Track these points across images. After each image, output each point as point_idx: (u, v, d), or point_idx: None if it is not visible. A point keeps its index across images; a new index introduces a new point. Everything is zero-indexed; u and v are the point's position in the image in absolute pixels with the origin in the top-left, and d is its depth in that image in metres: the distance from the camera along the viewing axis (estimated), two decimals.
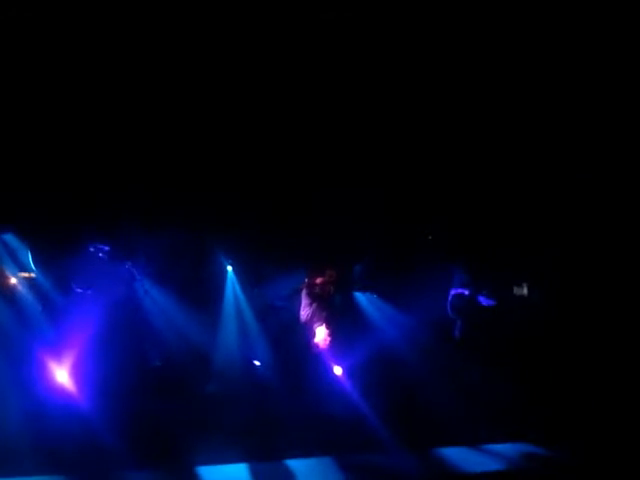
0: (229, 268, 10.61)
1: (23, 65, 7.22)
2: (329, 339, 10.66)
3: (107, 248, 9.94)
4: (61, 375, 9.46)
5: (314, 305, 10.76)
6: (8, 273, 9.92)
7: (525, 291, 10.96)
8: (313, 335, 10.69)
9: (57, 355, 9.53)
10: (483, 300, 11.04)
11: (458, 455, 9.15)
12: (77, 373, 9.52)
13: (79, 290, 10.03)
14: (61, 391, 9.43)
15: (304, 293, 10.79)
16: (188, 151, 8.87)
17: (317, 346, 10.63)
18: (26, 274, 9.97)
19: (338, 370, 10.35)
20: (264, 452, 8.84)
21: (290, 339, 10.55)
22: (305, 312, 10.75)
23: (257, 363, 10.45)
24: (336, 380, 10.38)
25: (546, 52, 7.43)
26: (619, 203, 9.63)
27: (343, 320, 10.86)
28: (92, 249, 9.92)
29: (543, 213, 10.01)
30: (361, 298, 11.15)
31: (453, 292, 11.04)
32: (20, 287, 9.98)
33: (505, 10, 6.91)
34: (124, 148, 8.67)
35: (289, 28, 7.02)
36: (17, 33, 6.82)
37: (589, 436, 9.29)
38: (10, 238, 9.59)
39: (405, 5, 6.84)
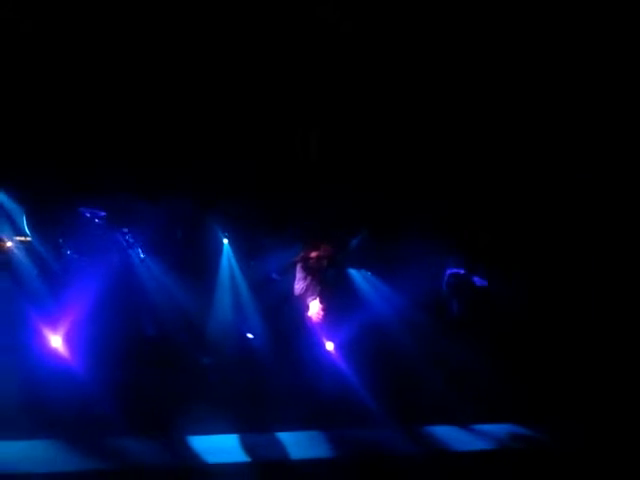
0: (225, 240, 10.49)
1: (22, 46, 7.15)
2: (322, 313, 10.66)
3: (103, 214, 9.85)
4: (55, 340, 9.45)
5: (308, 279, 10.77)
6: (3, 236, 9.81)
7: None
8: (306, 309, 10.68)
9: (51, 320, 9.50)
10: (477, 280, 11.06)
11: (447, 433, 9.25)
12: (71, 339, 9.52)
13: (74, 256, 9.97)
14: (55, 356, 9.43)
15: (298, 267, 10.78)
16: (187, 120, 8.82)
17: (310, 320, 10.63)
18: (22, 238, 9.88)
19: (330, 345, 10.35)
20: (255, 424, 8.90)
21: (284, 313, 10.54)
22: (299, 285, 10.75)
23: (250, 336, 10.45)
24: (328, 355, 10.37)
25: (546, 52, 7.38)
26: (611, 193, 9.63)
27: (336, 295, 10.82)
28: (88, 215, 9.83)
29: (535, 198, 10.02)
30: (355, 274, 11.12)
31: (449, 271, 11.04)
32: (15, 251, 9.88)
33: (505, 10, 6.85)
34: (123, 115, 8.62)
35: (288, 27, 6.97)
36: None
37: (577, 418, 9.35)
38: (5, 200, 9.45)
39: (405, 5, 6.78)
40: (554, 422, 9.43)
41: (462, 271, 11.07)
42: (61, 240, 9.89)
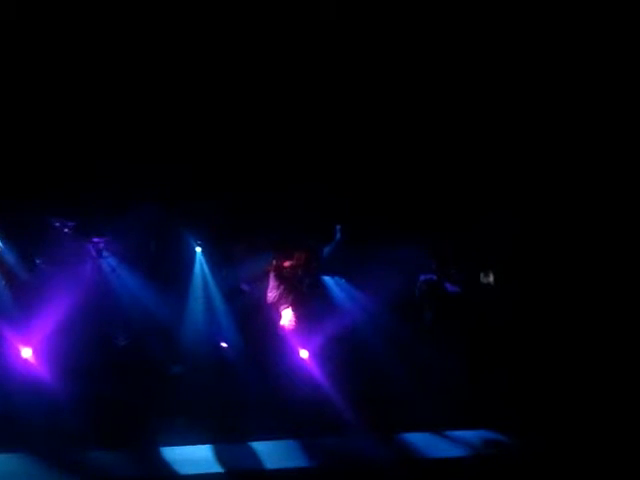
0: (198, 249, 10.43)
1: None
2: (295, 322, 10.62)
3: (73, 224, 9.73)
4: (25, 352, 9.30)
5: (281, 287, 10.72)
6: None
7: (491, 279, 11.03)
8: (279, 317, 10.64)
9: (21, 332, 9.35)
10: (449, 286, 11.11)
11: (421, 440, 9.24)
12: (41, 350, 9.37)
13: (44, 266, 9.83)
14: (24, 368, 9.28)
15: (272, 275, 10.72)
16: (158, 129, 8.75)
17: (283, 328, 10.58)
18: None
19: (304, 353, 10.31)
20: (229, 434, 8.83)
21: (257, 321, 10.49)
22: (272, 294, 10.72)
23: (224, 345, 10.38)
24: (302, 363, 10.33)
25: (546, 52, 7.46)
26: (594, 189, 9.72)
27: (310, 303, 10.79)
28: (57, 224, 9.70)
29: (509, 199, 10.08)
30: (329, 281, 11.11)
31: (421, 278, 11.07)
32: None
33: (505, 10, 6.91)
34: (93, 123, 8.52)
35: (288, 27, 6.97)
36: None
37: (553, 424, 9.40)
38: None
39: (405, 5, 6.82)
40: (527, 428, 9.43)
41: (434, 277, 11.09)
42: (30, 250, 9.72)
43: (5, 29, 6.87)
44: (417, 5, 6.98)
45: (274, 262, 10.79)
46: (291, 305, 10.73)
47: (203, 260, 10.56)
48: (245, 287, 10.77)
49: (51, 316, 9.41)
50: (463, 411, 9.81)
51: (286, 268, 10.77)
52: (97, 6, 6.90)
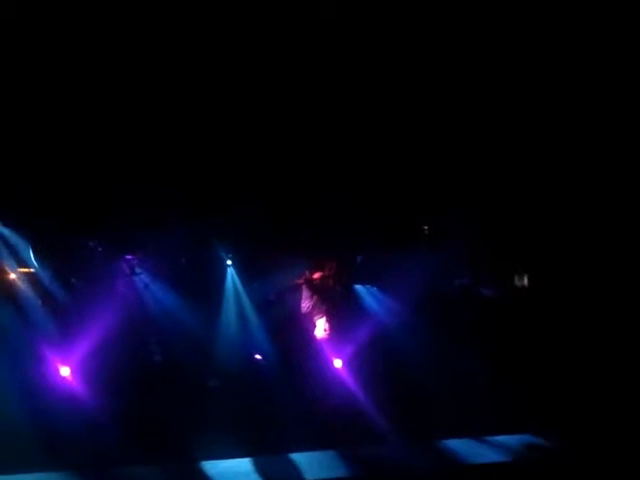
0: (229, 262, 10.49)
1: (25, 64, 7.19)
2: (329, 331, 10.64)
3: (106, 242, 9.87)
4: (62, 370, 9.44)
5: (315, 297, 10.78)
6: (7, 268, 9.84)
7: (526, 282, 10.94)
8: (313, 327, 10.66)
9: (58, 350, 9.50)
10: (484, 291, 11.04)
11: (460, 446, 9.21)
12: (78, 368, 9.51)
13: (78, 285, 9.99)
14: (62, 387, 9.42)
15: (304, 286, 10.75)
16: (188, 147, 8.84)
17: (317, 338, 10.60)
18: (25, 269, 9.91)
19: (338, 363, 10.31)
20: (266, 446, 8.87)
21: (290, 332, 10.51)
22: (305, 304, 10.79)
23: (258, 357, 10.42)
24: (336, 373, 10.33)
25: (546, 52, 7.40)
26: (619, 196, 9.60)
27: (343, 313, 10.79)
28: (91, 243, 9.86)
29: (542, 204, 9.98)
30: (361, 291, 11.10)
31: (456, 282, 11.02)
32: (19, 282, 9.90)
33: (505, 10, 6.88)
34: (125, 144, 8.65)
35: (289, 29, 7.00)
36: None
37: (590, 428, 9.26)
38: (8, 233, 9.48)
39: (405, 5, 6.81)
40: (566, 432, 9.31)
41: (469, 282, 11.03)
42: (65, 269, 9.88)
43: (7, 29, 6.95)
44: (417, 5, 6.96)
45: (306, 273, 10.81)
46: (325, 315, 10.74)
47: (234, 273, 10.61)
48: (277, 298, 10.79)
49: (87, 334, 9.55)
50: (501, 416, 9.69)
51: (318, 278, 10.79)
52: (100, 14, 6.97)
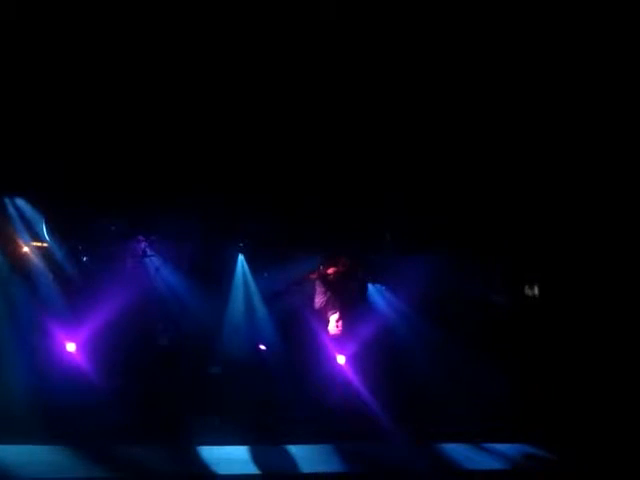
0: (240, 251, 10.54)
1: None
2: (341, 327, 10.66)
3: (119, 223, 9.92)
4: (69, 346, 9.52)
5: (328, 293, 10.78)
6: (21, 241, 9.91)
7: (536, 291, 10.89)
8: (326, 322, 10.68)
9: (65, 326, 9.58)
10: (495, 298, 11.00)
11: (459, 452, 9.24)
12: (86, 345, 9.60)
13: (90, 263, 10.05)
14: (67, 362, 9.50)
15: (318, 281, 10.77)
16: (205, 134, 8.87)
17: (328, 334, 10.62)
18: (39, 243, 9.97)
19: (341, 359, 10.32)
20: (265, 436, 8.90)
21: (297, 325, 10.54)
22: (319, 299, 10.81)
23: (263, 347, 10.45)
24: (340, 368, 10.34)
25: (545, 52, 7.35)
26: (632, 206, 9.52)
27: (356, 309, 10.80)
28: (104, 223, 9.90)
29: (555, 213, 9.93)
30: (372, 289, 11.10)
31: (464, 289, 10.98)
32: (32, 255, 9.98)
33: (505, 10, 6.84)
34: (143, 128, 8.68)
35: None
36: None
37: (592, 440, 9.22)
38: (23, 205, 9.55)
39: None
40: (568, 443, 9.28)
41: (478, 289, 10.99)
42: (80, 247, 9.94)
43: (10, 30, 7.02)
44: (417, 5, 6.93)
45: (320, 268, 10.83)
46: (338, 311, 10.76)
47: (245, 262, 10.63)
48: (285, 290, 10.81)
49: (96, 313, 9.62)
50: (503, 423, 9.67)
51: (332, 274, 10.81)
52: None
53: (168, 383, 9.64)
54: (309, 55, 7.56)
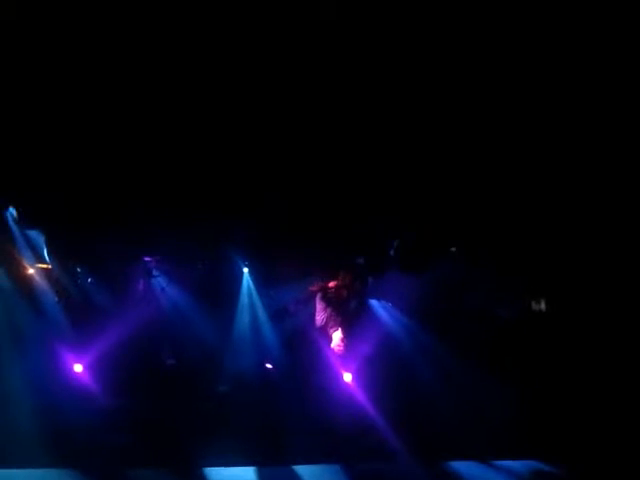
0: (245, 269, 10.60)
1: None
2: (344, 344, 10.65)
3: (124, 243, 9.97)
4: (76, 367, 9.59)
5: (329, 310, 10.80)
6: (25, 263, 9.98)
7: (543, 306, 10.88)
8: (328, 340, 10.69)
9: (72, 348, 9.64)
10: (501, 312, 10.98)
11: (467, 468, 9.21)
12: (92, 366, 9.65)
13: (95, 284, 10.11)
14: (75, 384, 9.56)
15: (318, 297, 10.83)
16: (208, 151, 8.89)
17: (332, 351, 10.62)
18: (43, 265, 10.05)
19: (348, 377, 10.34)
20: (272, 456, 8.94)
21: (303, 343, 10.56)
22: (320, 316, 10.83)
23: (269, 366, 10.48)
24: (346, 387, 10.35)
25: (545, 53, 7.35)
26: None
27: (357, 326, 10.80)
28: (109, 244, 9.94)
29: (562, 226, 9.92)
30: (375, 305, 11.10)
31: (469, 303, 10.98)
32: (37, 278, 10.05)
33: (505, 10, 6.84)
34: (144, 146, 8.71)
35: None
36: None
37: (601, 456, 9.20)
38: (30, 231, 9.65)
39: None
40: (577, 458, 9.26)
41: (482, 302, 10.99)
42: (83, 268, 10.00)
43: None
44: (417, 5, 6.94)
45: (320, 282, 10.84)
46: (340, 327, 10.76)
47: (250, 280, 10.68)
48: (291, 308, 10.84)
49: (102, 334, 9.68)
50: (509, 440, 9.66)
51: (331, 288, 10.82)
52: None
53: (175, 403, 9.69)
54: (308, 59, 7.57)
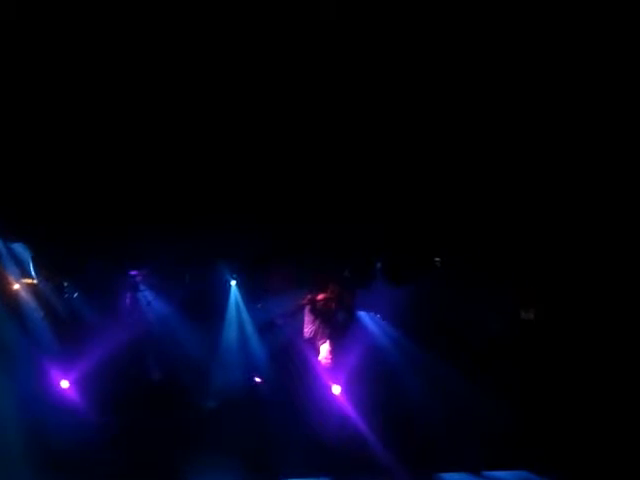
0: (232, 282, 10.55)
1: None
2: (332, 356, 10.60)
3: (110, 257, 9.92)
4: (62, 383, 9.52)
5: (317, 322, 10.76)
6: (11, 279, 9.92)
7: (532, 316, 10.86)
8: (317, 352, 10.64)
9: (58, 363, 9.58)
10: (490, 324, 10.95)
11: None
12: (77, 381, 9.59)
13: (81, 299, 10.05)
14: (61, 400, 9.50)
15: (307, 309, 10.78)
16: (194, 163, 8.86)
17: (320, 363, 10.57)
18: (29, 280, 9.98)
19: (337, 389, 10.28)
20: (262, 472, 8.85)
21: (291, 356, 10.51)
22: (308, 329, 10.80)
23: (258, 380, 10.42)
24: (335, 399, 10.29)
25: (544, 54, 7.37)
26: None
27: (345, 338, 10.76)
28: (95, 258, 9.89)
29: (552, 235, 9.92)
30: (364, 317, 11.07)
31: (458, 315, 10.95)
32: (23, 293, 9.99)
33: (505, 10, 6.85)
34: (130, 158, 8.67)
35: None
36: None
37: (594, 465, 9.16)
38: (16, 246, 9.59)
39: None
40: (568, 468, 9.22)
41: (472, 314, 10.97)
42: (66, 283, 9.93)
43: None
44: (417, 5, 6.94)
45: (308, 295, 10.80)
46: (328, 339, 10.72)
47: (238, 293, 10.63)
48: (279, 321, 10.80)
49: (88, 349, 9.62)
50: (499, 450, 9.62)
51: (320, 301, 10.78)
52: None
53: (162, 419, 9.62)
54: (308, 59, 7.55)
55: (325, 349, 10.74)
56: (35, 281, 10.00)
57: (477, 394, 10.15)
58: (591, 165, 8.84)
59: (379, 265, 10.21)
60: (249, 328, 10.64)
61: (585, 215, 9.51)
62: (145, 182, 8.83)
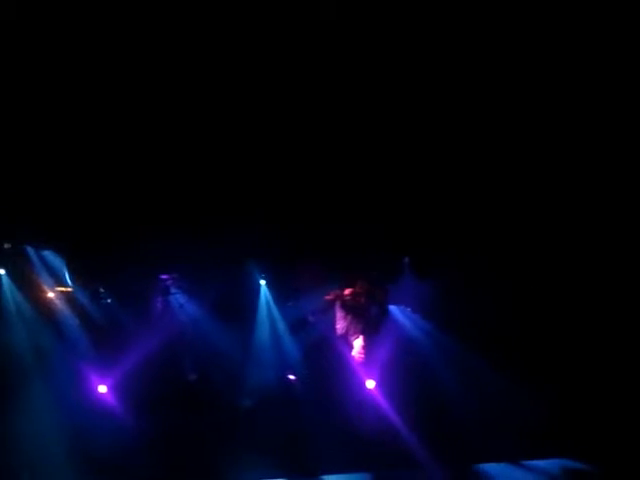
0: (262, 282, 10.62)
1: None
2: (365, 351, 10.62)
3: (142, 262, 10.03)
4: (100, 388, 9.63)
5: (349, 317, 10.78)
6: (45, 287, 10.08)
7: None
8: (350, 347, 10.66)
9: (95, 369, 9.70)
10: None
11: (498, 471, 9.13)
12: (115, 386, 9.70)
13: (115, 304, 10.18)
14: (99, 404, 9.61)
15: (338, 306, 10.80)
16: (224, 166, 8.94)
17: (354, 359, 10.59)
18: (63, 288, 10.14)
19: (371, 384, 10.29)
20: (298, 468, 8.90)
21: (324, 353, 10.54)
22: (340, 325, 10.83)
23: (291, 377, 10.47)
24: (370, 394, 10.30)
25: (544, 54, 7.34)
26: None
27: (378, 333, 10.77)
28: (127, 263, 10.01)
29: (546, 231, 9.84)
30: (394, 311, 11.07)
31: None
32: (57, 301, 10.14)
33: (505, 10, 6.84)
34: (161, 166, 8.78)
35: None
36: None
37: (628, 453, 9.08)
38: (48, 254, 9.73)
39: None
40: (607, 455, 9.14)
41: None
42: (102, 289, 10.08)
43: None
44: (417, 5, 6.94)
45: (335, 291, 10.83)
46: (361, 335, 10.74)
47: (268, 293, 10.69)
48: (311, 318, 10.83)
49: (124, 353, 9.73)
50: (537, 440, 9.56)
51: (347, 296, 10.79)
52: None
53: (200, 419, 9.70)
54: (308, 62, 7.58)
55: (358, 344, 10.78)
56: (69, 289, 10.18)
57: (510, 383, 10.10)
58: (591, 165, 8.83)
59: (407, 260, 10.23)
60: (281, 326, 10.72)
61: (584, 214, 9.46)
62: (174, 187, 8.94)
